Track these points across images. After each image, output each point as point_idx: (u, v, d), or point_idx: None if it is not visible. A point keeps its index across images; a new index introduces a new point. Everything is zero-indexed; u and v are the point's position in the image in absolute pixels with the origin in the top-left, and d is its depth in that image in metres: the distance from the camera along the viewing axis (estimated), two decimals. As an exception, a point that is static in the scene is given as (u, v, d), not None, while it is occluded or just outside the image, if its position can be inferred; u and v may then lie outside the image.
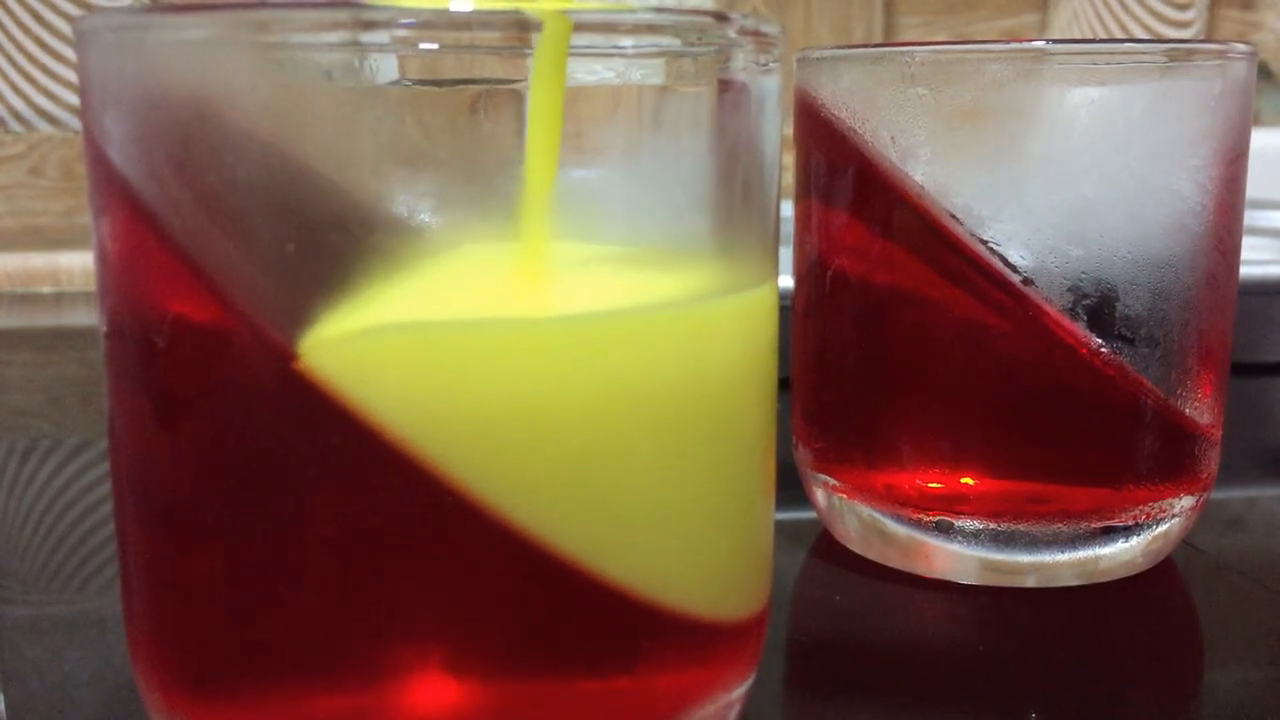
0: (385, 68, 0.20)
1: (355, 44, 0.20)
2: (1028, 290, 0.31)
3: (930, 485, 0.32)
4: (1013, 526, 0.32)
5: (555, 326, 0.21)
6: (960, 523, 0.32)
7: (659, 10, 0.20)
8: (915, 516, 0.33)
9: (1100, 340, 0.31)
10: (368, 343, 0.20)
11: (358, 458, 0.20)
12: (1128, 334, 0.31)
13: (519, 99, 0.21)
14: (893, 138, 0.31)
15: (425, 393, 0.20)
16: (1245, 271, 0.35)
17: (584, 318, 0.21)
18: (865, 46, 0.32)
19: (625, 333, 0.21)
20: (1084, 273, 0.31)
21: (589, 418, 0.20)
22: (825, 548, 0.36)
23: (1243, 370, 0.49)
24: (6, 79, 0.85)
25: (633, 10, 0.20)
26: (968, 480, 0.32)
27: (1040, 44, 0.30)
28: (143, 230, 0.20)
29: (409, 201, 0.21)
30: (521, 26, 0.20)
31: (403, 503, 0.20)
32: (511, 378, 0.20)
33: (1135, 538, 0.33)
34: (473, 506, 0.20)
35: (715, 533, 0.23)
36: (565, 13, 0.19)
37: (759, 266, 0.24)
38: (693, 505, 0.22)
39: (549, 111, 0.20)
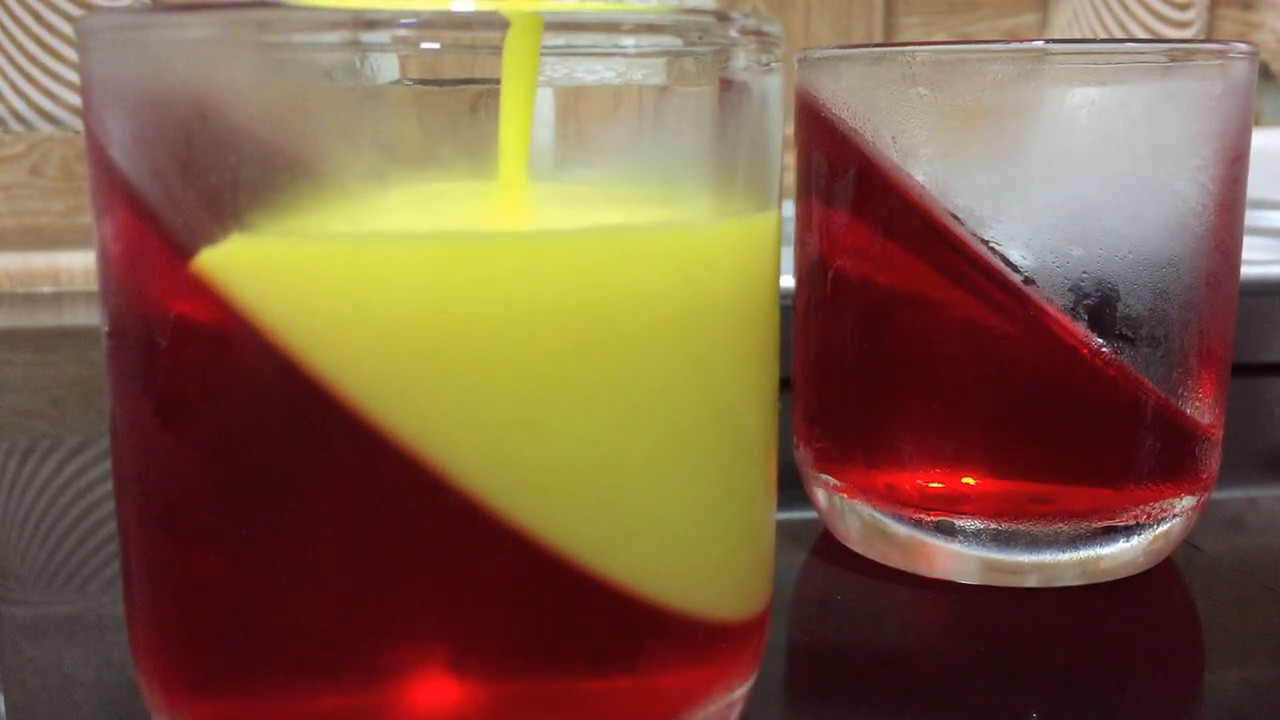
0: (386, 68, 0.20)
1: (356, 44, 0.20)
2: (1029, 290, 0.31)
3: (931, 485, 0.32)
4: (1014, 526, 0.32)
5: (465, 243, 0.19)
6: (961, 523, 0.32)
7: (660, 10, 0.20)
8: (916, 516, 0.33)
9: (1101, 340, 0.31)
10: (258, 249, 0.19)
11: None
12: (1129, 334, 0.31)
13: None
14: (894, 138, 0.31)
15: (321, 311, 0.19)
16: (1246, 271, 0.35)
17: (511, 236, 0.20)
18: (866, 46, 0.32)
19: (543, 253, 0.19)
20: (1085, 273, 0.31)
21: (525, 354, 0.19)
22: (826, 548, 0.36)
23: (1243, 370, 0.49)
24: (7, 79, 0.85)
25: (634, 10, 0.20)
26: (969, 480, 0.32)
27: (1041, 44, 0.30)
28: (144, 230, 0.20)
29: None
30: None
31: (406, 505, 0.20)
32: (411, 300, 0.19)
33: (1136, 537, 0.33)
34: (474, 504, 0.20)
35: (716, 531, 0.23)
36: (540, 12, 0.19)
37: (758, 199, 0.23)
38: (680, 476, 0.22)
39: (520, 99, 0.20)
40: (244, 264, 0.19)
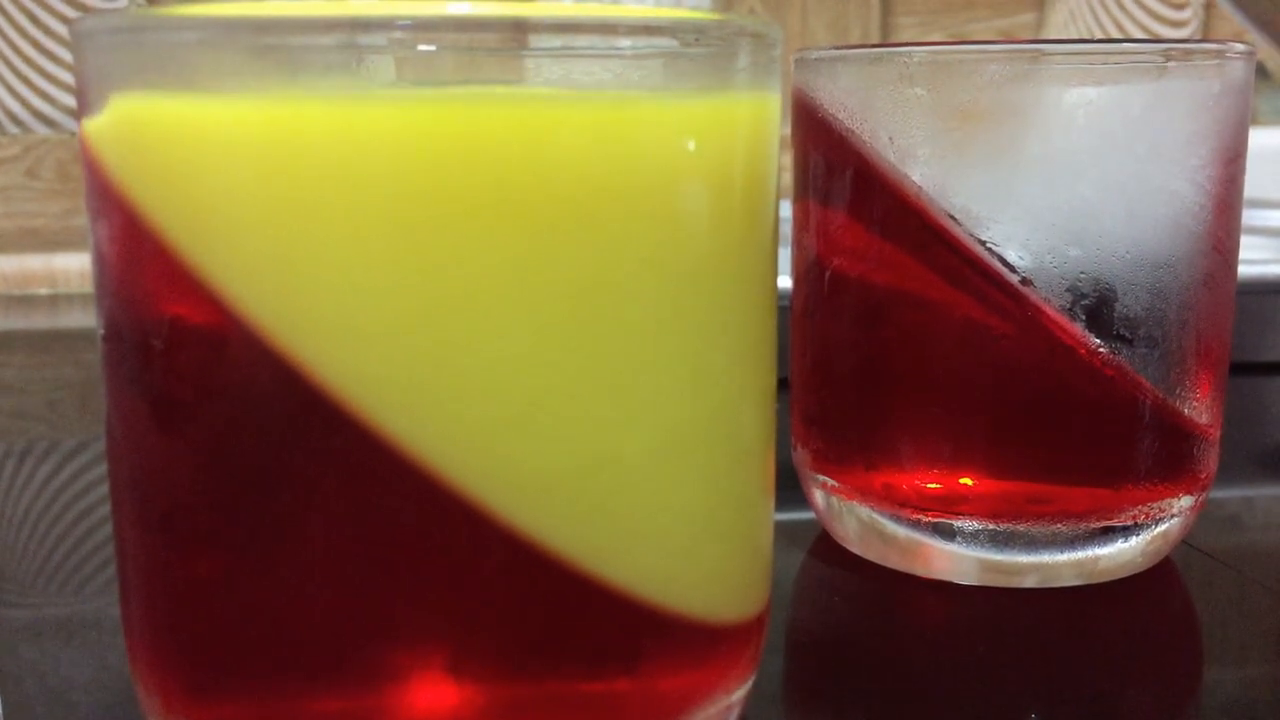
0: (383, 69, 0.20)
1: (352, 45, 0.20)
2: (1026, 291, 0.31)
3: (929, 486, 0.32)
4: (1012, 527, 0.32)
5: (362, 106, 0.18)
6: (959, 523, 0.32)
7: (657, 11, 0.20)
8: (914, 517, 0.33)
9: (1099, 340, 0.31)
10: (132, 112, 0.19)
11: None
12: (1126, 334, 0.31)
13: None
14: (890, 138, 0.31)
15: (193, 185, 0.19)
16: (1244, 271, 0.35)
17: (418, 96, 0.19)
18: (863, 47, 0.32)
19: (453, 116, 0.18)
20: (1082, 273, 0.31)
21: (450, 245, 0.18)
22: (824, 549, 0.36)
23: (1241, 370, 0.49)
24: (3, 81, 0.84)
25: (631, 12, 0.20)
26: (967, 481, 0.32)
27: (1039, 44, 0.30)
28: (140, 232, 0.20)
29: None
30: (519, 29, 0.20)
31: (404, 507, 0.20)
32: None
33: (1134, 538, 0.33)
34: (470, 506, 0.20)
35: (714, 533, 0.23)
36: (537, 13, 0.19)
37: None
38: (677, 477, 0.21)
39: None
40: (121, 129, 0.19)
